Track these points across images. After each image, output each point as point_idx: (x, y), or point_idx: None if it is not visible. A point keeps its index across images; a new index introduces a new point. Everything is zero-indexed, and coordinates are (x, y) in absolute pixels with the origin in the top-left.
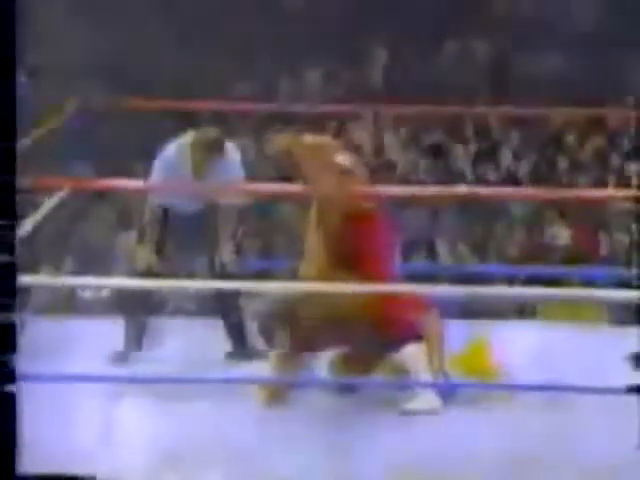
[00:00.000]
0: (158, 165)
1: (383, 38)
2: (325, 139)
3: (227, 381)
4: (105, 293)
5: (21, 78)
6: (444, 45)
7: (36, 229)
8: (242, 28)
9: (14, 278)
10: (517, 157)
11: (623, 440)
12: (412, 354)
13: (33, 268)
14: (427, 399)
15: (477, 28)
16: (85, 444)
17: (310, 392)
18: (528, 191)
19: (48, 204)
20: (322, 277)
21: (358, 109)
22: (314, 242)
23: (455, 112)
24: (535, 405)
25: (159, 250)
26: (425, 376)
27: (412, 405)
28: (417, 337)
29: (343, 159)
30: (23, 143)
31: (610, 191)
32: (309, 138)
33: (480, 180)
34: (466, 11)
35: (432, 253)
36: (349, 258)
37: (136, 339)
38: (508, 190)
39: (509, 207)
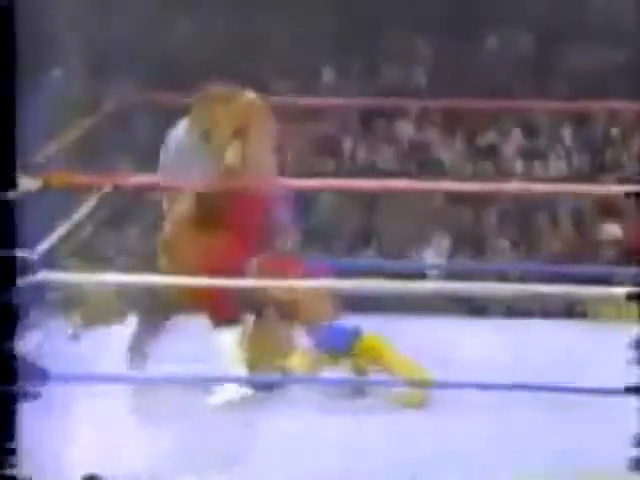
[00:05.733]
0: (169, 145)
1: (424, 34)
2: None
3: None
4: None
5: (56, 73)
6: (486, 40)
7: (77, 228)
8: (277, 25)
9: (14, 277)
10: (565, 153)
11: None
12: (225, 340)
13: (70, 268)
14: (230, 390)
15: (519, 22)
16: (85, 446)
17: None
18: (570, 187)
19: (89, 203)
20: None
21: (403, 104)
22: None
23: (502, 107)
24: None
25: None
26: (235, 368)
27: (215, 399)
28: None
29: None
30: (62, 140)
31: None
32: None
33: (528, 177)
34: (507, 4)
35: (480, 251)
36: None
37: (146, 340)
38: (553, 186)
39: (557, 203)
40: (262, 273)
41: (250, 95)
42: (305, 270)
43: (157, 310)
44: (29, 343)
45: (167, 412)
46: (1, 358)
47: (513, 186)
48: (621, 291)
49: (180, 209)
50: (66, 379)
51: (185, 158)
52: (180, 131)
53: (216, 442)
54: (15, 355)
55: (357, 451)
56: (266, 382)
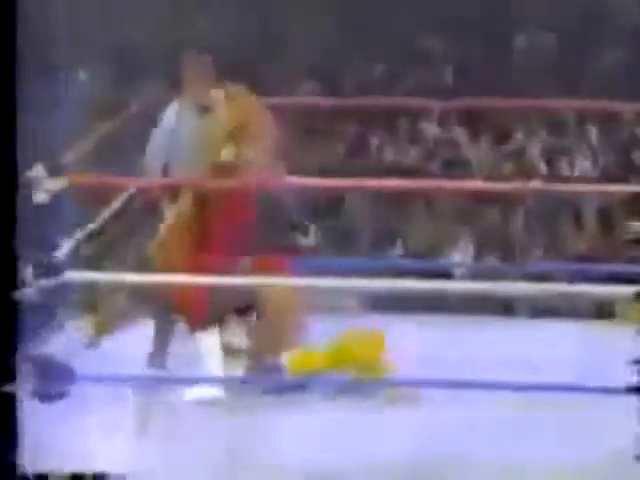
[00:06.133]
0: (158, 131)
1: (448, 34)
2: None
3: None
4: None
5: (81, 76)
6: (512, 40)
7: (104, 227)
8: (306, 26)
9: (14, 278)
10: (591, 153)
11: None
12: (206, 344)
13: (99, 267)
14: (205, 389)
15: (547, 22)
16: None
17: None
18: (596, 187)
19: (116, 203)
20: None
21: (428, 104)
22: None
23: (528, 106)
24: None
25: None
26: (216, 368)
27: (191, 395)
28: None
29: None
30: (88, 141)
31: None
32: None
33: (554, 176)
34: (533, 6)
35: (506, 250)
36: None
37: (164, 340)
38: (579, 185)
39: (584, 203)
40: (254, 273)
41: (249, 96)
42: (291, 270)
43: (168, 310)
44: (57, 343)
45: (171, 412)
46: (3, 358)
47: (539, 185)
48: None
49: (175, 211)
50: (92, 379)
51: (178, 137)
52: (171, 114)
53: (221, 442)
54: (15, 354)
55: (354, 449)
56: (289, 385)
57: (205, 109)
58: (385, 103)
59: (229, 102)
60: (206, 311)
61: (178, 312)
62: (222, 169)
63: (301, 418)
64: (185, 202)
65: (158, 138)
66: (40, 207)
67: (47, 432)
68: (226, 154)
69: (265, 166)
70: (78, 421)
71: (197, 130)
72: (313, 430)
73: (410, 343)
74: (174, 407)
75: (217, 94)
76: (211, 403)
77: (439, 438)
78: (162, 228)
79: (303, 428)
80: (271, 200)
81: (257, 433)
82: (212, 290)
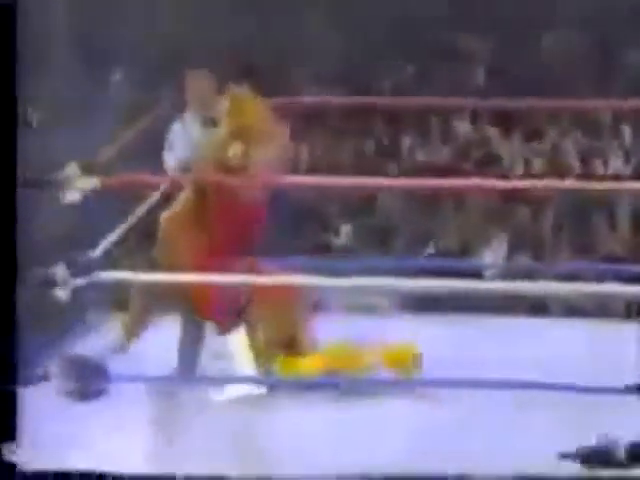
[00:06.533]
0: (170, 144)
1: (479, 33)
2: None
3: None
4: None
5: (116, 77)
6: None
7: (136, 227)
8: (333, 27)
9: (14, 278)
10: (624, 152)
11: None
12: (235, 343)
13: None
14: (238, 388)
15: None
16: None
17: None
18: (628, 185)
19: (148, 202)
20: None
21: (460, 103)
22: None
23: (559, 106)
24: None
25: None
26: (246, 367)
27: (222, 396)
28: (230, 328)
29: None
30: (118, 142)
31: None
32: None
33: (587, 175)
34: (566, 5)
35: (538, 249)
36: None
37: (194, 341)
38: (611, 184)
39: (616, 203)
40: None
41: (254, 98)
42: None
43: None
44: (92, 343)
45: (181, 410)
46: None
47: (571, 184)
48: None
49: (175, 207)
50: (125, 379)
51: (188, 150)
52: (178, 128)
53: (230, 439)
54: (13, 354)
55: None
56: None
57: (210, 121)
58: (418, 103)
59: (233, 104)
60: (228, 312)
61: (203, 316)
62: (229, 169)
63: (327, 416)
64: (184, 199)
65: (170, 154)
66: (71, 206)
67: (69, 430)
68: (233, 153)
69: (273, 166)
70: (95, 420)
71: (204, 142)
72: (336, 429)
73: (433, 342)
74: (206, 405)
75: (221, 104)
76: (244, 401)
77: (447, 437)
78: (161, 221)
79: (328, 426)
80: (299, 200)
81: (287, 430)
82: (227, 290)
